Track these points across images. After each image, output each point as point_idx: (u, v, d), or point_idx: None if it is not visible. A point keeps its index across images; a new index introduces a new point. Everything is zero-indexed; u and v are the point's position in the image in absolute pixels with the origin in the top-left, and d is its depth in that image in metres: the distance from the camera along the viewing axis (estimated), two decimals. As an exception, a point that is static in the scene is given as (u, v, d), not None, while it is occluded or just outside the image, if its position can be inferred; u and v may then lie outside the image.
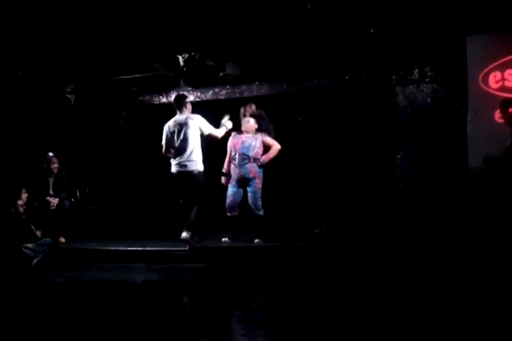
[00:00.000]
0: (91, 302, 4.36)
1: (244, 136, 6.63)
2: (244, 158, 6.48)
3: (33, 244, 6.33)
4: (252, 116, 6.69)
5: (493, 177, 5.51)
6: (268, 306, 4.07)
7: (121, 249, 6.55)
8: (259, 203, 6.43)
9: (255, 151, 6.54)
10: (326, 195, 8.02)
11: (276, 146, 6.62)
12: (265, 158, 6.54)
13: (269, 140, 6.66)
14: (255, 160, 6.51)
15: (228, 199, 6.58)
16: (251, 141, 6.57)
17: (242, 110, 6.79)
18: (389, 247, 5.89)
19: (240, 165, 6.49)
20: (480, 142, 6.39)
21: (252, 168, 6.49)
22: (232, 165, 6.61)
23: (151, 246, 6.54)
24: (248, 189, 6.51)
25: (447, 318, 3.44)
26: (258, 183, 6.49)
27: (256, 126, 6.64)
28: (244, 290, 4.79)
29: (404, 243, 6.03)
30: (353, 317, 3.60)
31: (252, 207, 6.45)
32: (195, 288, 5.15)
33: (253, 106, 6.80)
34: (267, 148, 6.64)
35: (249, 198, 6.50)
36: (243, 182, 6.52)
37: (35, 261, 6.25)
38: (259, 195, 6.46)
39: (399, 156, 7.20)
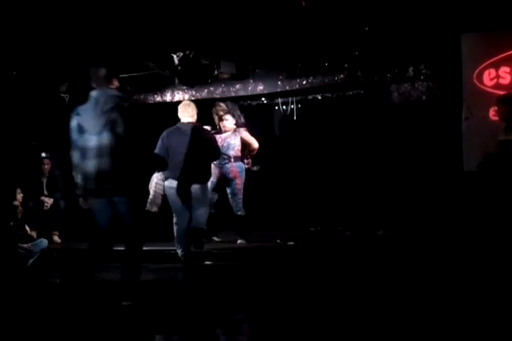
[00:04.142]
0: (87, 302, 4.34)
1: (223, 135, 6.57)
2: (225, 157, 6.44)
3: (29, 245, 6.31)
4: (228, 113, 6.69)
5: (488, 174, 5.51)
6: (265, 307, 4.06)
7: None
8: (241, 204, 6.43)
9: (236, 150, 6.53)
10: (322, 194, 8.04)
11: (254, 145, 6.61)
12: (248, 162, 6.60)
13: (248, 137, 6.64)
14: (236, 159, 6.50)
15: None
16: (230, 140, 6.54)
17: (217, 109, 6.74)
18: (385, 245, 5.90)
19: (221, 165, 6.45)
20: (475, 139, 6.41)
21: (233, 168, 6.46)
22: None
23: (148, 245, 6.48)
24: (228, 190, 6.49)
25: (444, 319, 3.44)
26: (239, 184, 6.45)
27: (234, 122, 6.64)
28: (240, 290, 4.78)
29: (401, 240, 6.05)
30: (349, 319, 3.60)
31: (234, 208, 6.44)
32: (191, 287, 5.14)
33: (224, 104, 6.80)
34: (244, 144, 6.63)
35: (230, 199, 6.49)
36: (223, 182, 6.47)
37: (30, 261, 6.23)
38: (240, 195, 6.43)
39: (393, 154, 7.19)
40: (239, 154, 6.54)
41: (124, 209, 3.90)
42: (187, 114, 5.72)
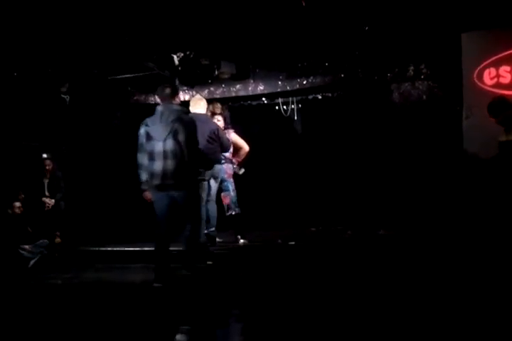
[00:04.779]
0: (89, 303, 4.36)
1: None
2: (222, 158, 6.45)
3: (30, 246, 6.33)
4: (220, 114, 6.66)
5: (488, 174, 5.52)
6: (265, 305, 4.06)
7: (118, 249, 6.55)
8: (236, 202, 6.44)
9: (230, 151, 6.53)
10: (323, 193, 8.04)
11: (245, 149, 6.60)
12: (237, 163, 6.55)
13: (238, 139, 6.63)
14: (228, 160, 6.50)
15: None
16: None
17: (214, 106, 6.66)
18: (386, 244, 5.90)
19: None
20: (475, 138, 6.40)
21: (228, 169, 6.50)
22: None
23: (149, 246, 6.51)
24: (225, 189, 6.49)
25: (444, 318, 3.44)
26: (233, 183, 6.50)
27: (223, 124, 6.63)
28: (241, 289, 4.78)
29: (402, 239, 6.05)
30: (349, 317, 3.60)
31: (231, 206, 6.45)
32: (193, 287, 5.14)
33: (219, 104, 6.77)
34: (234, 146, 6.60)
35: (227, 197, 6.48)
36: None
37: (32, 262, 6.25)
38: (235, 193, 6.48)
39: (394, 154, 7.20)
40: (231, 155, 6.58)
41: (183, 201, 4.72)
42: (198, 107, 6.12)
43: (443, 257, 5.26)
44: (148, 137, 4.69)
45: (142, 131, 4.75)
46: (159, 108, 4.80)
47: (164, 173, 4.62)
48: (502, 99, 5.41)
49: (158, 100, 8.41)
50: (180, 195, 4.68)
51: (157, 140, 4.64)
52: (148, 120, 4.79)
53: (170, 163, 4.60)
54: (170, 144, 4.60)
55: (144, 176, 4.78)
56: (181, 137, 4.61)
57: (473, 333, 3.09)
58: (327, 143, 8.25)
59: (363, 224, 7.16)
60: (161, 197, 4.73)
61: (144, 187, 4.85)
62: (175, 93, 4.96)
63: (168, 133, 4.61)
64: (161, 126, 4.65)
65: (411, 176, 6.89)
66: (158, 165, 4.62)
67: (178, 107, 4.88)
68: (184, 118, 4.74)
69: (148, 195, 4.83)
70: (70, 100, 8.42)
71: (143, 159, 4.74)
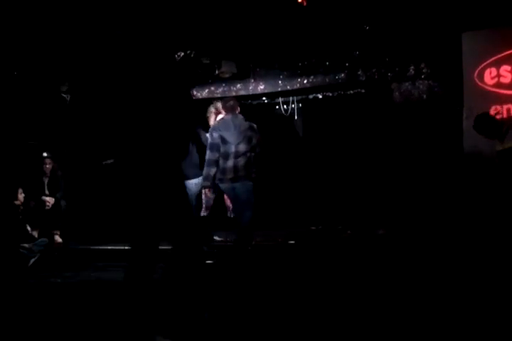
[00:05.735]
0: (88, 302, 4.35)
1: None
2: None
3: (30, 244, 6.31)
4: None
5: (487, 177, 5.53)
6: (264, 304, 4.06)
7: (118, 248, 6.53)
8: None
9: None
10: (323, 193, 8.04)
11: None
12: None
13: None
14: None
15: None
16: None
17: (223, 105, 6.55)
18: (386, 244, 5.90)
19: None
20: (476, 138, 6.39)
21: None
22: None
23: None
24: None
25: (443, 318, 3.44)
26: None
27: None
28: (241, 289, 4.78)
29: (401, 239, 6.05)
30: (348, 317, 3.60)
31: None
32: (193, 287, 5.13)
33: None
34: None
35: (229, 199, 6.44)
36: None
37: (32, 261, 6.24)
38: None
39: (394, 153, 7.20)
40: None
41: (242, 189, 5.69)
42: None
43: (443, 257, 5.26)
44: (224, 141, 5.66)
45: (216, 135, 5.70)
46: (228, 117, 5.78)
47: (235, 168, 5.65)
48: (483, 115, 5.49)
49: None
50: (240, 184, 5.65)
51: (231, 143, 5.64)
52: (219, 126, 5.77)
53: (240, 161, 5.63)
54: (242, 147, 5.63)
55: (212, 172, 5.70)
56: (252, 142, 5.66)
57: (473, 333, 3.09)
58: (328, 143, 8.26)
59: (363, 224, 7.16)
60: (231, 187, 5.73)
61: (205, 184, 5.77)
62: (236, 105, 5.87)
63: (243, 139, 5.63)
64: (236, 132, 5.64)
65: (411, 176, 6.88)
66: (231, 163, 5.66)
67: (242, 117, 5.84)
68: (254, 127, 5.75)
69: (209, 192, 5.86)
70: (71, 99, 8.43)
71: (216, 157, 5.70)
